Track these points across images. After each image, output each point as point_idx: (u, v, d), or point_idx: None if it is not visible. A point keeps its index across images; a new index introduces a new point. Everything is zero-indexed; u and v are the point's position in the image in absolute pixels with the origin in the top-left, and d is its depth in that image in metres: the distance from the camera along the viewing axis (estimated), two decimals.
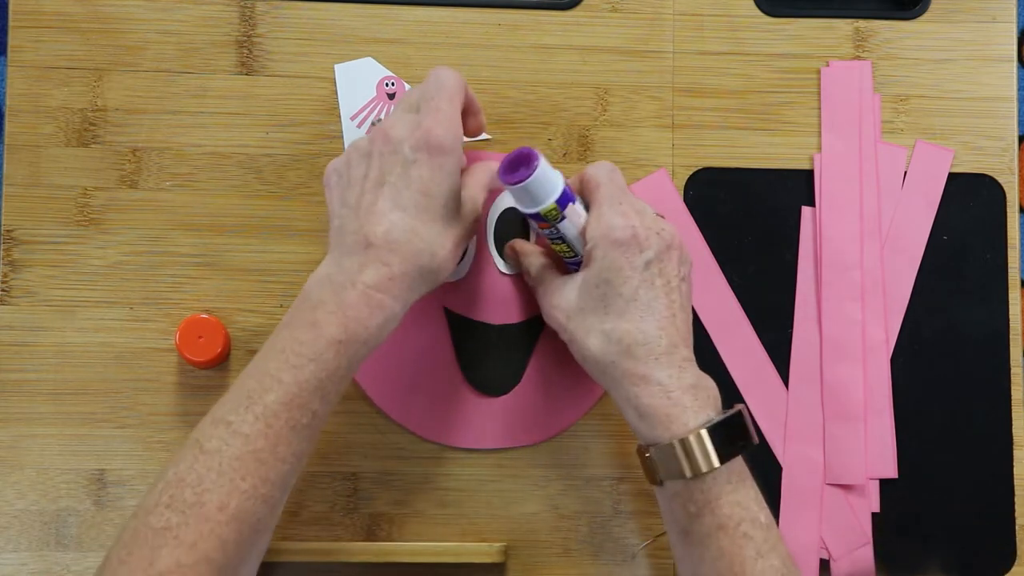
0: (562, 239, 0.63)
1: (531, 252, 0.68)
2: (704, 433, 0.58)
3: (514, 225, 0.71)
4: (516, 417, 0.71)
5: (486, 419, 0.71)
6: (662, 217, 0.64)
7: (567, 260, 0.66)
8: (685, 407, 0.59)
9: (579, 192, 0.65)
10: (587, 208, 0.63)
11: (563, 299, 0.63)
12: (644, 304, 0.60)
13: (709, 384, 0.61)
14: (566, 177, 0.63)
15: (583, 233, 0.63)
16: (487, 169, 0.65)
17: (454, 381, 0.71)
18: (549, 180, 0.61)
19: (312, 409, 0.57)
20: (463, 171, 0.63)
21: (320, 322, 0.57)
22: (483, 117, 0.67)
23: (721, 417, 0.59)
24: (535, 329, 0.71)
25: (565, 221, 0.62)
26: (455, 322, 0.71)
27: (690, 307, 0.63)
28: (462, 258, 0.71)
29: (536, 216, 0.62)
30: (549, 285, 0.65)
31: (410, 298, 0.60)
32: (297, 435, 0.57)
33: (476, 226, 0.64)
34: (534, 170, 0.60)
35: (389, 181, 0.60)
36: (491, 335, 0.71)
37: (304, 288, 0.59)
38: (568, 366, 0.71)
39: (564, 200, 0.62)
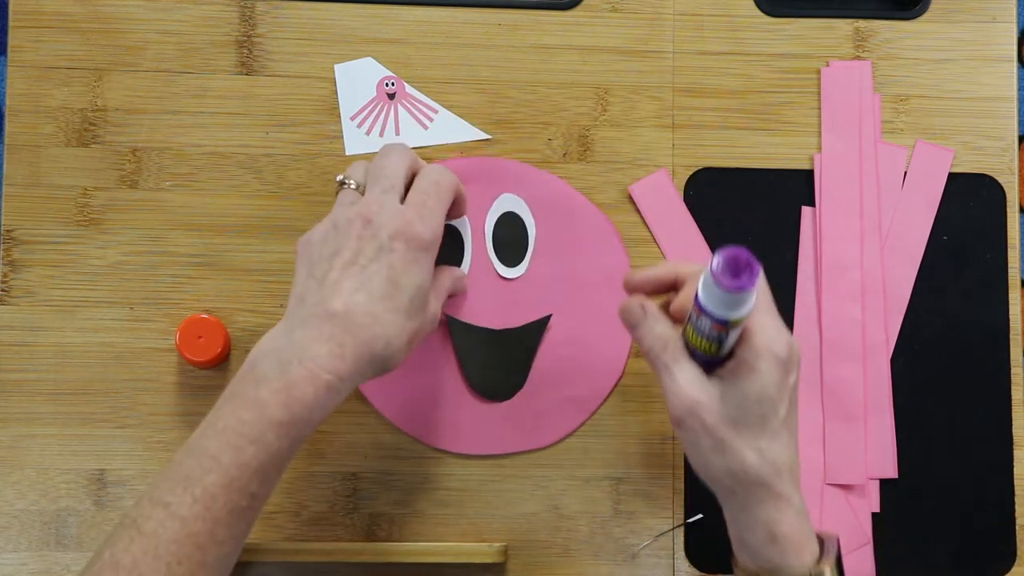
0: (719, 341, 0.57)
1: (663, 322, 0.61)
2: (830, 571, 0.57)
3: (513, 229, 0.71)
4: (521, 422, 0.71)
5: (490, 425, 0.71)
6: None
7: (701, 354, 0.59)
8: (810, 535, 0.58)
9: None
10: None
11: (711, 401, 0.58)
12: (791, 426, 0.59)
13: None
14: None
15: (743, 340, 0.57)
16: (450, 276, 0.67)
17: (457, 387, 0.71)
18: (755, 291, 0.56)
19: (252, 492, 0.55)
20: (433, 280, 0.63)
21: (264, 401, 0.56)
22: (465, 206, 0.67)
23: (837, 552, 0.59)
24: (536, 333, 0.71)
25: (737, 329, 0.56)
26: (456, 328, 0.70)
27: None
28: (459, 266, 0.71)
29: (720, 320, 0.55)
30: (692, 379, 0.58)
31: (356, 382, 0.58)
32: (236, 518, 0.55)
33: (433, 328, 0.63)
34: (756, 278, 0.54)
35: (360, 263, 0.58)
36: (492, 340, 0.71)
37: (250, 357, 0.58)
38: (571, 369, 0.71)
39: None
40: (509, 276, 0.71)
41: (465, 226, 0.71)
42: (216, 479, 0.54)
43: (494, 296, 0.71)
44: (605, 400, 0.71)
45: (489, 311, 0.71)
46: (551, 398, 0.71)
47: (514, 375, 0.71)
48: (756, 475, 0.57)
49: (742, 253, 0.53)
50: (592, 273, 0.71)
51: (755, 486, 0.58)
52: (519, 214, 0.72)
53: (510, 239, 0.71)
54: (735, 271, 0.53)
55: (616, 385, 0.71)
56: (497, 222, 0.71)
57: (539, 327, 0.71)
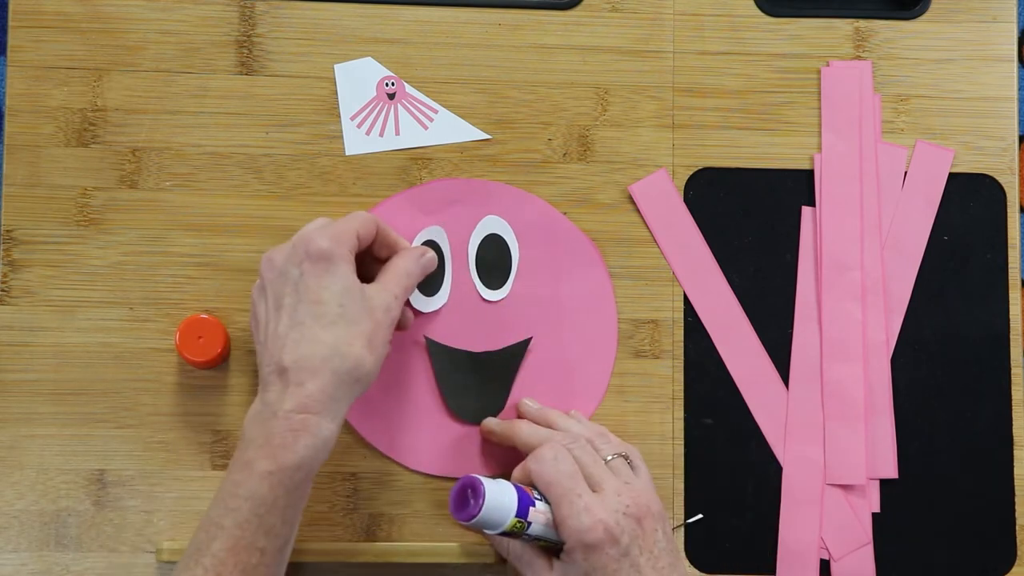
0: (537, 539, 0.63)
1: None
2: None
3: (496, 251, 0.71)
4: (502, 446, 0.70)
5: (471, 448, 0.70)
6: (625, 458, 0.65)
7: (548, 547, 0.65)
8: None
9: (531, 484, 0.64)
10: (547, 500, 0.63)
11: None
12: None
13: None
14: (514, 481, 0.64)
15: (555, 527, 0.62)
16: (408, 259, 0.65)
17: (438, 411, 0.70)
18: (501, 500, 0.60)
19: (259, 547, 0.57)
20: (384, 267, 0.64)
21: (251, 460, 0.58)
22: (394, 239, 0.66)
23: None
24: (516, 356, 0.70)
25: (532, 526, 0.61)
26: (436, 351, 0.70)
27: (675, 548, 0.63)
28: (439, 288, 0.70)
29: (503, 534, 0.62)
30: (535, 570, 0.64)
31: (337, 408, 0.60)
32: (251, 574, 0.57)
33: (393, 321, 0.62)
34: (481, 503, 0.60)
35: (284, 304, 0.61)
36: (472, 363, 0.70)
37: (242, 430, 0.60)
38: (552, 393, 0.70)
39: (523, 509, 0.61)
40: (492, 299, 0.71)
41: (443, 237, 0.70)
42: (221, 544, 0.56)
43: (476, 319, 0.70)
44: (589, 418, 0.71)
45: (470, 334, 0.70)
46: None
47: (494, 399, 0.70)
48: None
49: (466, 481, 0.61)
50: (575, 296, 0.71)
51: None
52: (503, 236, 0.71)
53: (494, 261, 0.71)
54: (462, 501, 0.61)
55: (596, 408, 0.71)
56: (481, 244, 0.71)
57: (519, 350, 0.70)
